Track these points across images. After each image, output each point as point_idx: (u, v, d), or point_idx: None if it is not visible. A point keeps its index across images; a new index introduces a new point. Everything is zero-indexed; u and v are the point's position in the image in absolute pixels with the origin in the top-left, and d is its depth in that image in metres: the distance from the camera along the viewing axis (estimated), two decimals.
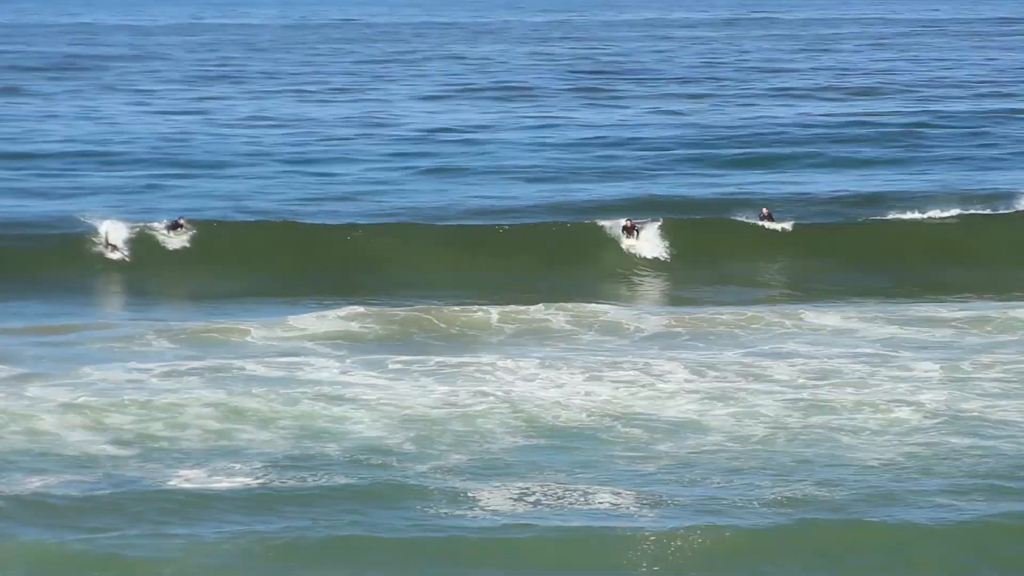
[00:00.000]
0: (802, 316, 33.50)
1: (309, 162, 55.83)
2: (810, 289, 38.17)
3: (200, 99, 76.83)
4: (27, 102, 74.23)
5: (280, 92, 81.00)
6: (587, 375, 27.99)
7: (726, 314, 33.51)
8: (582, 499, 21.36)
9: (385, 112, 71.29)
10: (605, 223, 41.88)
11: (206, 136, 62.37)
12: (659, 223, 41.50)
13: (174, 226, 40.35)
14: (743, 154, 57.96)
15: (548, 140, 61.29)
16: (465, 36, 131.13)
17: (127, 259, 39.15)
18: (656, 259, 40.82)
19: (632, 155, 57.80)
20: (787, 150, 58.82)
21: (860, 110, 71.21)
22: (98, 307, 36.46)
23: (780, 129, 64.57)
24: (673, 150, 59.12)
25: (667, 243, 40.96)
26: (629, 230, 41.01)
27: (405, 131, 64.58)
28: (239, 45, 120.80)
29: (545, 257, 40.44)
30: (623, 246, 40.88)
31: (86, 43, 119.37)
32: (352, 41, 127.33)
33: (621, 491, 21.56)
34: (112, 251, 39.26)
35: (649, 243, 40.96)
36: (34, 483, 21.77)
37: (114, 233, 39.56)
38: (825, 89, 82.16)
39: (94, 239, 39.60)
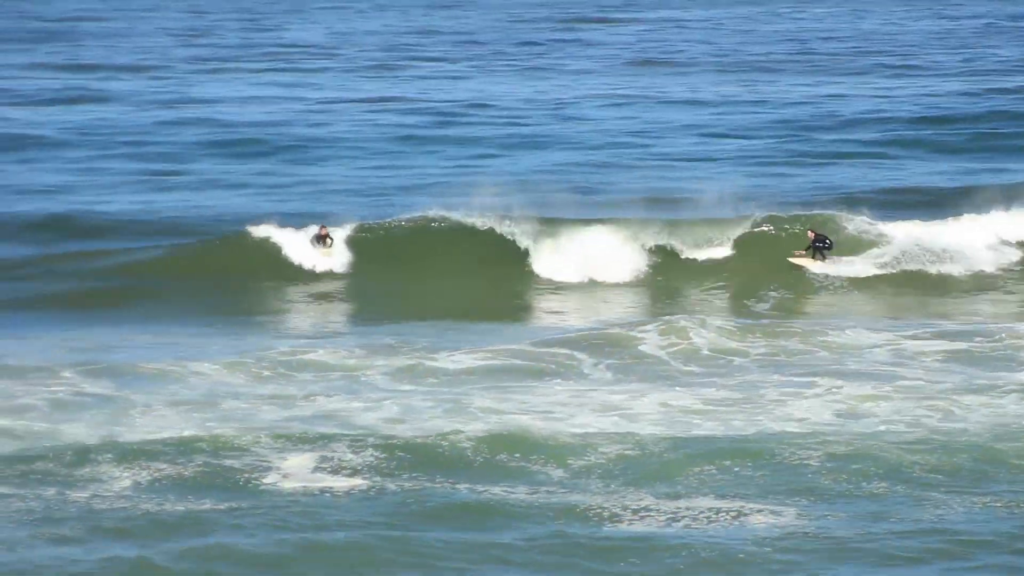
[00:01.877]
0: None
1: (485, 155, 52.74)
2: None
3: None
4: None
5: (421, 65, 79.39)
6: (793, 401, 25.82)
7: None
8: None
9: (546, 91, 68.77)
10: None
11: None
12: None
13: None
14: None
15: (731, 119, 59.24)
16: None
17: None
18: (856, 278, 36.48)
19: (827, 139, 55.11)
20: None
21: None
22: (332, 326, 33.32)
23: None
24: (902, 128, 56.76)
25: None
26: (814, 244, 36.33)
27: (576, 111, 62.40)
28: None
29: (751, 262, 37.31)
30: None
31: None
32: (505, 6, 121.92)
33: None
34: (325, 246, 36.94)
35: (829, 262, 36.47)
36: None
37: (329, 232, 37.30)
38: None
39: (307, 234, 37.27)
